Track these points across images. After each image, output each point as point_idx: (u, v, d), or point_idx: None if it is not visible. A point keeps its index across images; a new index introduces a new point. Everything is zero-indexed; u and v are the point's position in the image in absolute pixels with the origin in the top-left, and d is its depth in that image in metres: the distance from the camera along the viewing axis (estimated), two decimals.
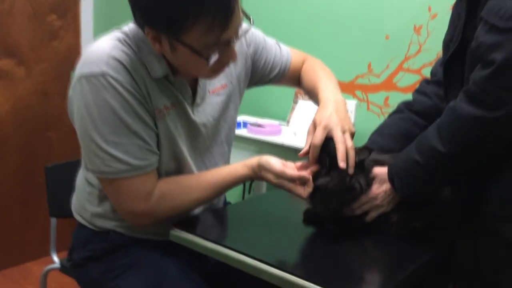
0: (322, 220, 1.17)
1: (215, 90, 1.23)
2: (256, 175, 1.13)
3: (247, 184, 2.83)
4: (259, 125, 2.37)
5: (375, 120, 2.41)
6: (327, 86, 1.23)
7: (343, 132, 1.09)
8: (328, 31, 2.57)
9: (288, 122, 2.59)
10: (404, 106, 1.36)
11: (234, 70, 1.27)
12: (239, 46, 1.23)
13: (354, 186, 1.10)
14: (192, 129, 1.18)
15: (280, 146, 2.23)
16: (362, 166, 1.12)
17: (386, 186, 1.14)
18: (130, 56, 1.05)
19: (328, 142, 1.08)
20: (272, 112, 2.78)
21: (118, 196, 1.11)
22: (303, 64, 1.40)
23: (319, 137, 1.08)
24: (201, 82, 1.18)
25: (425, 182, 1.10)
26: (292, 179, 1.09)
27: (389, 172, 1.14)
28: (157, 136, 1.11)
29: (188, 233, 1.11)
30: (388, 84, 2.41)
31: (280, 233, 1.16)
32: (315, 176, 1.09)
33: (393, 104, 2.32)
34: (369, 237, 1.14)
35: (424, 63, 2.30)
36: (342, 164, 1.07)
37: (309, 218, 1.22)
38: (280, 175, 1.09)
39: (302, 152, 1.12)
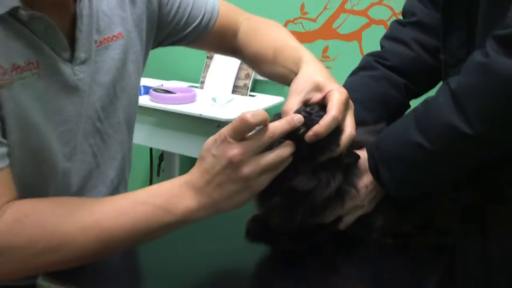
0: (275, 234, 1.00)
1: (104, 40, 1.01)
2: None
3: (155, 164, 2.75)
4: (166, 91, 2.26)
5: None
6: (303, 47, 1.09)
7: None
8: None
9: (202, 84, 2.55)
10: (374, 60, 1.21)
11: (131, 13, 1.07)
12: None
13: (346, 192, 0.95)
14: (71, 103, 0.94)
15: (197, 118, 2.12)
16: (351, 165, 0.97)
17: (367, 179, 1.00)
18: None
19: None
20: (180, 71, 2.70)
21: None
22: (239, 21, 1.23)
23: (342, 111, 0.91)
24: (82, 25, 0.95)
25: (431, 175, 0.97)
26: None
27: (371, 159, 1.00)
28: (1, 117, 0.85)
29: (64, 285, 0.84)
30: (327, 31, 2.39)
31: (218, 261, 0.97)
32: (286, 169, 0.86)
33: (334, 57, 2.42)
34: (343, 251, 1.03)
35: (372, 1, 2.28)
36: None
37: (255, 231, 1.04)
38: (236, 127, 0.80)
39: (287, 108, 0.89)
